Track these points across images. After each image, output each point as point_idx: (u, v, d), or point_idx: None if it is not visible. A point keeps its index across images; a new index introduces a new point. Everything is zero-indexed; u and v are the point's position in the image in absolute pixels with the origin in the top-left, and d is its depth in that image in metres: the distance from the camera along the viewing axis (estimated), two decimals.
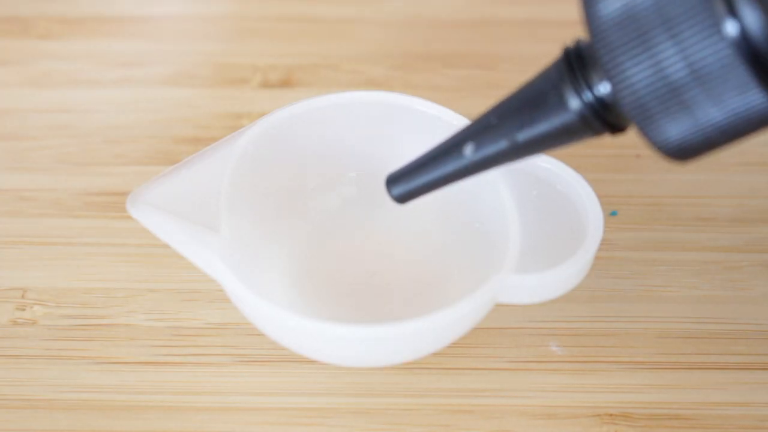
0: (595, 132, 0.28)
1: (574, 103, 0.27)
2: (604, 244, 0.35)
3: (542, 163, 0.35)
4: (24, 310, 0.38)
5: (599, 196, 0.35)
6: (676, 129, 0.25)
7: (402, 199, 0.33)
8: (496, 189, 0.35)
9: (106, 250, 0.40)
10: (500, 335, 0.37)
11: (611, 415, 0.35)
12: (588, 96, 0.27)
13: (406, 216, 0.38)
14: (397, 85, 0.47)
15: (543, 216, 0.35)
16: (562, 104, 0.27)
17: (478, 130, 0.30)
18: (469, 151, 0.30)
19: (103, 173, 0.43)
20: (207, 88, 0.47)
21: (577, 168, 0.35)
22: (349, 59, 0.49)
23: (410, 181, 0.32)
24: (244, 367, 0.36)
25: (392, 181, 0.33)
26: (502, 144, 0.29)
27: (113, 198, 0.42)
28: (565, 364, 0.37)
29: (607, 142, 0.44)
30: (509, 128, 0.29)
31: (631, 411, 0.35)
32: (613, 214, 0.41)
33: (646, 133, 0.26)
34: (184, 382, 0.36)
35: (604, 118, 0.27)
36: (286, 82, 0.48)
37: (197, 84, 0.48)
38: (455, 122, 0.37)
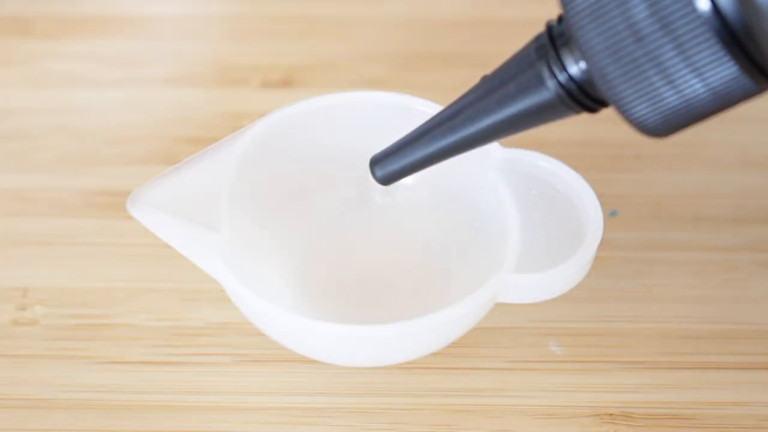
0: (574, 110, 0.28)
1: (551, 81, 0.27)
2: (604, 244, 0.35)
3: (542, 162, 0.35)
4: (25, 309, 0.38)
5: (599, 196, 0.35)
6: (651, 104, 0.25)
7: (386, 180, 0.33)
8: (496, 189, 0.35)
9: (106, 250, 0.40)
10: (500, 335, 0.37)
11: (611, 414, 0.35)
12: (564, 75, 0.27)
13: (406, 216, 0.38)
14: (397, 85, 0.47)
15: (543, 216, 0.35)
16: (539, 82, 0.27)
17: (459, 110, 0.30)
18: (449, 130, 0.30)
19: (103, 173, 0.43)
20: (207, 88, 0.47)
21: (577, 168, 0.35)
22: (349, 59, 0.49)
23: (393, 162, 0.32)
24: (244, 367, 0.36)
25: (375, 162, 0.33)
26: (482, 123, 0.29)
27: (113, 198, 0.42)
28: (565, 364, 0.37)
29: (607, 141, 0.44)
30: (489, 107, 0.29)
31: (631, 411, 0.35)
32: (613, 214, 0.41)
33: (620, 108, 0.26)
34: (184, 382, 0.36)
35: (582, 96, 0.27)
36: (286, 82, 0.48)
37: (197, 84, 0.48)
38: None
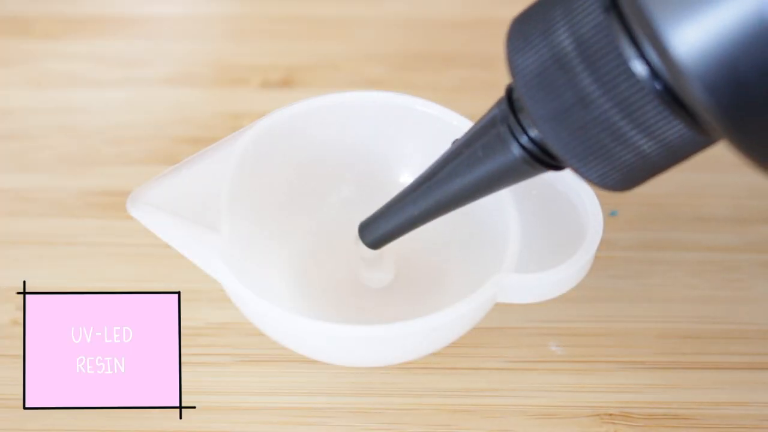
0: (538, 170, 0.28)
1: (513, 145, 0.28)
2: (604, 244, 0.35)
3: None
4: None
5: (599, 196, 0.35)
6: (606, 165, 0.25)
7: (374, 244, 0.34)
8: None
9: (106, 250, 0.40)
10: (500, 335, 0.37)
11: (611, 414, 0.35)
12: (525, 137, 0.27)
13: None
14: (397, 85, 0.47)
15: (543, 216, 0.35)
16: (503, 146, 0.28)
17: (433, 173, 0.31)
18: (424, 194, 0.31)
19: (103, 173, 0.43)
20: (207, 88, 0.47)
21: None
22: (349, 59, 0.49)
23: (379, 227, 0.34)
24: (244, 367, 0.36)
25: (362, 229, 0.34)
26: (454, 186, 0.30)
27: (113, 198, 0.42)
28: (565, 364, 0.37)
29: None
30: (460, 170, 0.30)
31: (631, 411, 0.35)
32: (613, 214, 0.41)
33: (577, 171, 0.26)
34: (184, 381, 0.36)
35: (545, 157, 0.28)
36: (286, 82, 0.48)
37: (197, 84, 0.48)
38: (455, 122, 0.37)
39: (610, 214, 0.41)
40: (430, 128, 0.38)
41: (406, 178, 0.39)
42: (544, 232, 0.34)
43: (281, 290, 0.37)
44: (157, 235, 0.34)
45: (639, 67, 0.23)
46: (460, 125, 0.37)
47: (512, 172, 0.29)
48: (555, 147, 0.26)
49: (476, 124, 0.29)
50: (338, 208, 0.39)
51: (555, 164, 0.28)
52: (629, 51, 0.23)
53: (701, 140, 0.24)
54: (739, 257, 0.40)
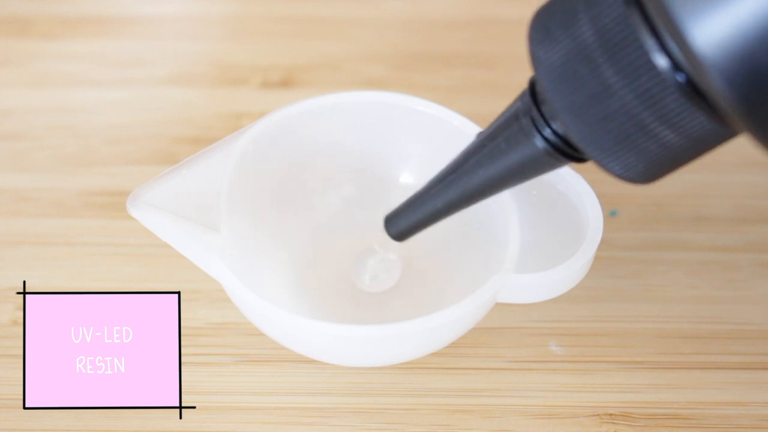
0: (562, 162, 0.28)
1: (536, 137, 0.28)
2: (604, 244, 0.35)
3: None
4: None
5: (599, 196, 0.35)
6: (629, 157, 0.26)
7: (399, 236, 0.34)
8: None
9: (106, 250, 0.40)
10: (500, 335, 0.37)
11: (611, 414, 0.35)
12: (548, 130, 0.28)
13: None
14: (397, 85, 0.47)
15: (543, 216, 0.35)
16: (526, 138, 0.28)
17: (457, 166, 0.31)
18: (449, 186, 0.31)
19: (103, 173, 0.43)
20: (207, 88, 0.47)
21: (577, 168, 0.35)
22: (349, 59, 0.49)
23: (403, 219, 0.34)
24: (244, 367, 0.36)
25: (388, 221, 0.34)
26: (477, 178, 0.30)
27: (113, 198, 0.42)
28: (565, 364, 0.37)
29: None
30: (483, 162, 0.30)
31: (631, 411, 0.35)
32: (613, 214, 0.41)
33: (600, 163, 0.26)
34: (184, 382, 0.36)
35: (567, 149, 0.28)
36: (286, 82, 0.48)
37: (197, 84, 0.48)
38: (455, 122, 0.37)
39: (610, 214, 0.41)
40: (430, 128, 0.38)
41: (406, 178, 0.39)
42: (544, 232, 0.34)
43: (281, 290, 0.37)
44: (157, 235, 0.34)
45: (660, 60, 0.23)
46: (460, 125, 0.37)
47: (535, 164, 0.29)
48: (577, 139, 0.26)
49: (499, 117, 0.29)
50: (338, 207, 0.39)
51: (577, 156, 0.28)
52: (650, 43, 0.23)
53: (723, 132, 0.24)
54: (739, 257, 0.40)
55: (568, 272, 0.33)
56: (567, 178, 0.35)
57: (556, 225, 0.35)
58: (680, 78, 0.23)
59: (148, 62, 0.49)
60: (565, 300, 0.36)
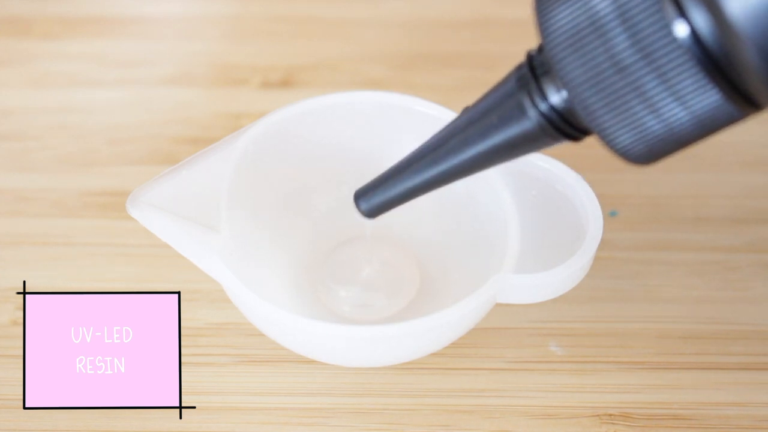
0: (556, 140, 0.28)
1: (532, 111, 0.27)
2: (604, 244, 0.35)
3: (541, 163, 0.35)
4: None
5: (599, 196, 0.35)
6: (635, 133, 0.25)
7: (370, 213, 0.32)
8: (496, 189, 0.35)
9: (106, 250, 0.40)
10: (500, 335, 0.37)
11: (611, 415, 0.35)
12: (545, 104, 0.27)
13: (405, 216, 0.38)
14: (397, 85, 0.47)
15: (542, 216, 0.35)
16: (521, 112, 0.27)
17: (442, 142, 0.30)
18: (433, 162, 0.30)
19: (103, 173, 0.43)
20: (207, 88, 0.47)
21: (577, 168, 0.35)
22: (349, 59, 0.49)
23: (377, 195, 0.32)
24: (244, 368, 0.36)
25: (359, 195, 0.32)
26: (465, 154, 0.29)
27: (113, 198, 0.42)
28: (565, 364, 0.37)
29: None
30: (472, 138, 0.29)
31: (631, 411, 0.35)
32: (613, 214, 0.41)
33: (603, 137, 0.26)
34: (184, 382, 0.36)
35: (564, 125, 0.27)
36: (286, 82, 0.48)
37: (197, 84, 0.48)
38: None
39: (610, 214, 0.41)
40: (430, 128, 0.38)
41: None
42: (543, 233, 0.34)
43: (281, 290, 0.37)
44: (157, 236, 0.34)
45: (681, 29, 0.22)
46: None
47: (528, 141, 0.28)
48: (583, 112, 0.25)
49: (490, 91, 0.28)
50: (338, 208, 0.39)
51: (573, 134, 0.27)
52: (671, 12, 0.22)
53: (733, 113, 0.24)
54: (739, 257, 0.40)
55: (568, 272, 0.33)
56: (567, 178, 0.35)
57: (556, 225, 0.35)
58: (699, 51, 0.22)
59: (148, 62, 0.49)
60: (565, 300, 0.36)
